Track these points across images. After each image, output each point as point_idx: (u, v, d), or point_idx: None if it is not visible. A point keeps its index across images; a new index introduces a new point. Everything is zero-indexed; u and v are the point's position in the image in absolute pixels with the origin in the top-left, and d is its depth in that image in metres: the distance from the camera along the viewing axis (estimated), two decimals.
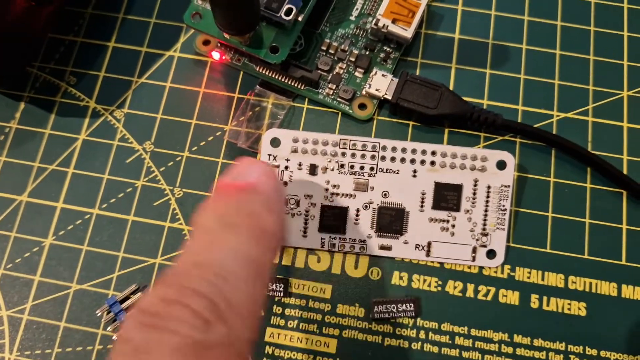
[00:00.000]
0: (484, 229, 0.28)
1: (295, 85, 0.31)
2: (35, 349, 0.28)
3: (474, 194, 0.29)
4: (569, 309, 0.28)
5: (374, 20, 0.30)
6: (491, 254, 0.28)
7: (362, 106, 0.31)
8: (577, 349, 0.27)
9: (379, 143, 0.29)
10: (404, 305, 0.28)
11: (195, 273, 0.18)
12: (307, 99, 0.31)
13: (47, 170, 0.30)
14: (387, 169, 0.29)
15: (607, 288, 0.28)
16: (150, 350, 0.16)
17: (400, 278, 0.29)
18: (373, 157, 0.29)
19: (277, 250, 0.21)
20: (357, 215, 0.29)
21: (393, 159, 0.29)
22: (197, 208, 0.29)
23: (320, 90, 0.31)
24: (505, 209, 0.28)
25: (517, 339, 0.28)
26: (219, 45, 0.31)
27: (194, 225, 0.20)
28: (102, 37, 0.33)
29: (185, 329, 0.17)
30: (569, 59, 0.32)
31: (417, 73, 0.32)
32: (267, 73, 0.31)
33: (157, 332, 0.17)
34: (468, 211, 0.29)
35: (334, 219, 0.29)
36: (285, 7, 0.29)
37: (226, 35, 0.29)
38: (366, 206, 0.29)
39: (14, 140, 0.31)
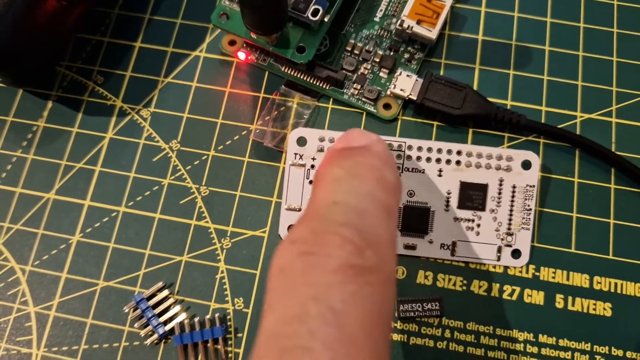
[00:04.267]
0: (509, 229, 0.29)
1: (321, 85, 0.31)
2: (62, 345, 0.28)
3: (499, 193, 0.29)
4: (594, 309, 0.28)
5: (399, 21, 0.31)
6: (516, 253, 0.29)
7: (387, 106, 0.31)
8: (602, 350, 0.27)
9: (405, 142, 0.29)
10: (429, 304, 0.28)
11: (336, 209, 0.19)
12: (331, 99, 0.31)
13: (74, 169, 0.31)
14: (412, 169, 0.29)
15: (632, 289, 0.28)
16: (313, 273, 0.17)
17: (426, 277, 0.29)
18: (399, 156, 0.29)
19: (398, 203, 0.22)
20: None
21: (419, 158, 0.29)
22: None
23: (345, 90, 0.31)
24: (530, 209, 0.29)
25: (542, 338, 0.28)
26: (244, 45, 0.32)
27: (318, 178, 0.22)
28: (129, 37, 0.33)
29: (341, 254, 0.18)
30: (592, 61, 0.32)
31: (441, 74, 0.32)
32: (292, 73, 0.31)
33: (316, 257, 0.18)
34: (493, 211, 0.29)
35: None
36: (312, 7, 0.29)
37: (253, 35, 0.29)
38: None
39: (42, 138, 0.31)
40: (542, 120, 0.31)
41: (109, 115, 0.32)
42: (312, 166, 0.29)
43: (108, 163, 0.31)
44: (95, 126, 0.31)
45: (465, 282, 0.28)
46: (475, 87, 0.31)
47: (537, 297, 0.28)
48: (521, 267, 0.29)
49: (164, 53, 0.33)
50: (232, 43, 0.32)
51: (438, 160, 0.29)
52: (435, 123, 0.31)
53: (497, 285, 0.28)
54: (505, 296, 0.28)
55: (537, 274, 0.29)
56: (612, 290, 0.28)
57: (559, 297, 0.28)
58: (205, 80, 0.32)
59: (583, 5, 0.33)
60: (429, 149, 0.29)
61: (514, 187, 0.29)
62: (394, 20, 0.32)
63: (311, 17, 0.29)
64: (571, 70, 0.32)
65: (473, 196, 0.29)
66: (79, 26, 0.31)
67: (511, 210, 0.29)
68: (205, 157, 0.31)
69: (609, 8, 0.33)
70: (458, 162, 0.29)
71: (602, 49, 0.32)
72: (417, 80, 0.30)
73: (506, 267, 0.29)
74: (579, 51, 0.32)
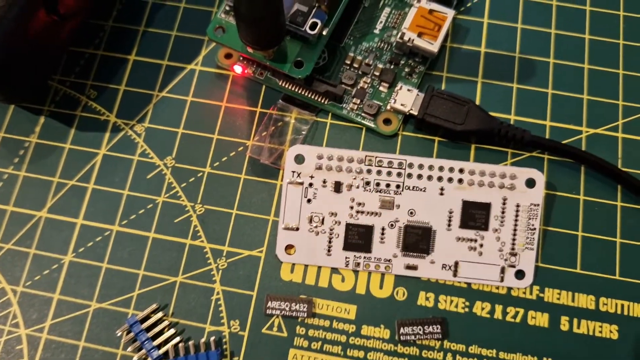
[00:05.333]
0: (512, 249, 0.28)
1: (319, 99, 0.30)
2: None
3: (503, 212, 0.28)
4: (601, 332, 0.27)
5: (399, 34, 0.30)
6: (520, 274, 0.28)
7: (387, 121, 0.30)
8: None
9: (405, 160, 0.28)
10: (430, 326, 0.27)
11: None
12: (330, 114, 0.31)
13: (67, 186, 0.30)
14: (413, 187, 0.28)
15: (639, 310, 0.28)
16: None
17: (427, 299, 0.28)
18: (399, 174, 0.28)
19: None
20: (382, 233, 0.28)
21: (420, 176, 0.28)
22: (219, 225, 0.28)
23: (344, 105, 0.30)
24: (535, 228, 0.28)
25: None
26: (241, 58, 0.31)
27: None
28: (123, 50, 0.32)
29: None
30: (598, 73, 0.31)
31: (443, 87, 0.31)
32: (290, 87, 0.30)
33: None
34: (496, 230, 0.28)
35: (358, 238, 0.28)
36: (310, 21, 0.28)
37: (250, 50, 0.29)
38: (392, 225, 0.28)
39: (34, 154, 0.31)
40: (547, 136, 0.30)
41: (102, 131, 0.31)
42: (310, 184, 0.28)
43: (101, 180, 0.30)
44: (88, 142, 0.31)
45: (467, 303, 0.28)
46: (477, 102, 0.31)
47: (541, 319, 0.27)
48: (525, 288, 0.28)
49: (158, 66, 0.32)
50: (228, 56, 0.31)
51: (439, 179, 0.28)
52: (436, 139, 0.30)
53: (501, 307, 0.28)
54: (508, 318, 0.27)
55: (541, 295, 0.28)
56: (619, 312, 0.28)
57: (564, 319, 0.27)
58: (201, 94, 0.31)
59: (588, 16, 0.32)
60: (430, 167, 0.28)
61: (517, 206, 0.28)
62: (395, 32, 0.31)
63: (309, 31, 0.28)
64: (576, 84, 0.31)
65: (476, 215, 0.28)
66: (71, 40, 0.31)
67: (515, 230, 0.28)
68: (201, 174, 0.30)
69: (615, 19, 0.32)
70: (460, 180, 0.28)
71: (609, 62, 0.31)
72: (418, 94, 0.30)
73: (510, 288, 0.28)
74: (584, 64, 0.31)
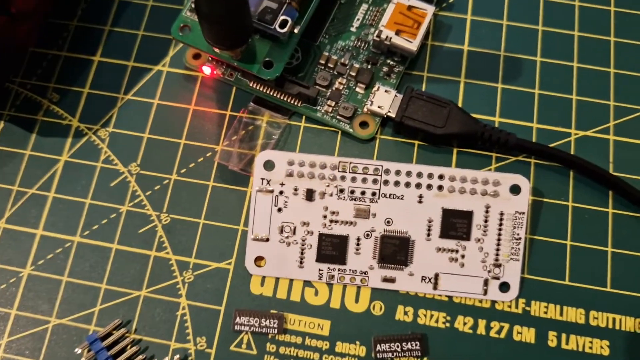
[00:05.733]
0: (496, 260, 0.26)
1: (292, 102, 0.29)
2: None
3: (486, 221, 0.26)
4: (591, 348, 0.26)
5: (377, 32, 0.28)
6: (504, 286, 0.26)
7: (364, 124, 0.28)
8: None
9: (382, 166, 0.27)
10: (409, 343, 0.25)
11: None
12: (304, 117, 0.29)
13: (26, 195, 0.28)
14: (390, 194, 0.26)
15: (632, 324, 0.26)
16: None
17: (405, 313, 0.26)
18: (375, 181, 0.27)
19: None
20: (357, 244, 0.26)
21: (397, 183, 0.26)
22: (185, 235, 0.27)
23: (318, 108, 0.29)
24: (520, 238, 0.26)
25: None
26: (209, 59, 0.29)
27: None
28: (87, 51, 0.31)
29: None
30: (588, 72, 0.30)
31: (423, 88, 0.29)
32: (261, 89, 0.29)
33: None
34: (479, 240, 0.26)
35: (332, 249, 0.26)
36: (280, 18, 0.27)
37: (216, 50, 0.27)
38: (368, 235, 0.26)
39: None
40: (533, 139, 0.29)
41: (64, 136, 0.29)
42: (281, 192, 0.27)
43: (62, 188, 0.28)
44: (49, 148, 0.29)
45: (448, 318, 0.26)
46: (460, 103, 0.29)
47: (527, 335, 0.26)
48: (510, 301, 0.26)
49: (124, 68, 0.30)
50: (196, 57, 0.30)
51: (418, 186, 0.26)
52: (416, 142, 0.29)
53: (484, 321, 0.26)
54: (492, 334, 0.26)
55: (527, 308, 0.26)
56: (610, 326, 0.26)
57: (551, 335, 0.26)
58: (168, 96, 0.30)
59: (577, 12, 0.31)
60: (408, 173, 0.26)
61: (501, 214, 0.26)
62: (372, 30, 0.30)
63: (279, 29, 0.27)
64: (565, 83, 0.30)
65: (457, 224, 0.26)
66: (31, 41, 0.29)
67: (499, 240, 0.26)
68: (167, 181, 0.28)
69: (606, 15, 0.31)
70: (440, 187, 0.26)
71: (599, 60, 0.30)
72: (396, 95, 0.28)
73: (494, 302, 0.26)
74: (573, 62, 0.30)
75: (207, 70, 0.29)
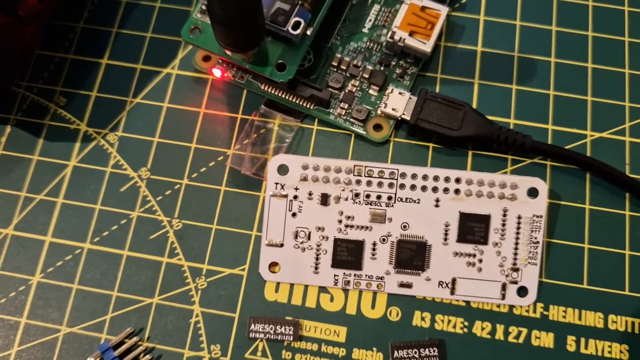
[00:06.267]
0: (514, 264, 0.26)
1: (304, 104, 0.28)
2: None
3: (503, 225, 0.26)
4: (610, 352, 0.26)
5: (390, 33, 0.28)
6: (522, 291, 0.26)
7: (378, 127, 0.28)
8: None
9: (398, 169, 0.26)
10: (427, 349, 0.25)
11: None
12: (317, 120, 0.29)
13: (34, 201, 0.28)
14: (406, 198, 0.26)
15: None
16: None
17: (422, 319, 0.26)
18: (391, 185, 0.26)
19: None
20: (373, 249, 0.26)
21: (413, 187, 0.26)
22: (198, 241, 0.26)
23: (331, 110, 0.28)
24: (538, 242, 0.26)
25: None
26: (220, 61, 0.29)
27: None
28: (95, 53, 0.30)
29: None
30: (603, 73, 0.30)
31: (437, 90, 0.29)
32: (273, 92, 0.28)
33: None
34: (497, 244, 0.26)
35: (348, 254, 0.26)
36: (293, 20, 0.26)
37: (228, 52, 0.27)
38: (384, 239, 0.26)
39: None
40: (549, 140, 0.28)
41: (72, 141, 0.29)
42: (295, 197, 0.26)
43: (71, 194, 0.28)
44: (57, 153, 0.29)
45: (466, 323, 0.26)
46: (474, 105, 0.29)
47: (546, 340, 0.26)
48: (528, 305, 0.26)
49: (132, 70, 0.30)
50: (206, 59, 0.29)
51: (435, 189, 0.26)
52: (431, 145, 0.28)
53: (502, 326, 0.26)
54: (511, 339, 0.26)
55: (545, 313, 0.26)
56: (629, 330, 0.26)
57: (570, 339, 0.26)
58: (178, 100, 0.29)
59: (591, 12, 0.31)
60: (425, 177, 0.26)
61: (519, 217, 0.26)
62: (385, 31, 0.29)
63: (292, 31, 0.26)
64: (580, 84, 0.29)
65: (474, 228, 0.26)
66: (37, 43, 0.29)
67: (516, 244, 0.26)
68: (178, 186, 0.28)
69: (620, 15, 0.31)
70: (457, 191, 0.26)
71: (614, 60, 0.30)
72: (410, 98, 0.28)
73: (512, 307, 0.26)
74: (587, 63, 0.30)
75: (217, 72, 0.29)
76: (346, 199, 0.26)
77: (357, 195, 0.26)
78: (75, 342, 0.26)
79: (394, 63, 0.29)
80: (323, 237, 0.26)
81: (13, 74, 0.28)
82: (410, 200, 0.26)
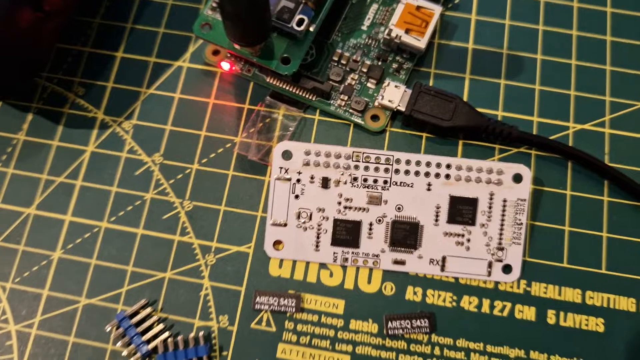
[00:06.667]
0: (499, 244, 0.28)
1: (307, 96, 0.30)
2: None
3: (490, 207, 0.28)
4: (587, 325, 0.27)
5: (387, 30, 0.30)
6: (507, 268, 0.28)
7: (375, 118, 0.30)
8: None
9: (393, 156, 0.28)
10: (418, 321, 0.27)
11: None
12: (318, 110, 0.31)
13: (55, 183, 0.30)
14: (401, 182, 0.28)
15: (625, 303, 0.28)
16: None
17: (415, 293, 0.28)
18: (387, 170, 0.28)
19: None
20: (370, 229, 0.28)
21: (407, 172, 0.28)
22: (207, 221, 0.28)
23: (331, 102, 0.30)
24: (522, 223, 0.28)
25: (534, 355, 0.27)
26: (228, 55, 0.31)
27: None
28: (110, 47, 0.32)
29: None
30: (585, 70, 0.31)
31: (431, 84, 0.31)
32: (277, 84, 0.30)
33: None
34: (484, 225, 0.28)
35: (346, 233, 0.28)
36: (297, 17, 0.28)
37: (236, 46, 0.29)
38: (380, 220, 0.28)
39: (22, 152, 0.31)
40: (534, 131, 0.30)
41: (90, 128, 0.31)
42: (298, 180, 0.28)
43: (89, 177, 0.30)
44: (76, 139, 0.31)
45: (455, 298, 0.28)
46: (465, 98, 0.31)
47: (528, 313, 0.28)
48: (512, 282, 0.28)
49: (146, 63, 0.32)
50: (215, 53, 0.31)
51: (427, 174, 0.28)
52: (424, 135, 0.30)
53: (488, 301, 0.28)
54: (496, 312, 0.28)
55: (528, 289, 0.28)
56: (605, 305, 0.28)
57: (550, 313, 0.28)
58: (189, 91, 0.31)
59: (576, 13, 0.32)
60: (418, 163, 0.28)
61: (504, 201, 0.28)
62: (382, 29, 0.31)
63: (296, 27, 0.28)
64: (564, 80, 0.31)
65: (463, 210, 0.28)
66: (58, 37, 0.31)
67: (502, 225, 0.28)
68: (189, 170, 0.30)
69: (602, 15, 0.32)
70: (447, 176, 0.28)
71: (595, 58, 0.32)
72: (405, 90, 0.30)
73: (497, 283, 0.28)
74: (571, 60, 0.32)
75: (226, 66, 0.31)
76: (345, 183, 0.28)
77: (355, 179, 0.28)
78: (94, 313, 0.28)
79: (390, 58, 0.31)
80: (323, 218, 0.28)
81: (36, 66, 0.30)
82: (404, 184, 0.28)
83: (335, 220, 0.28)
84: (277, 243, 0.28)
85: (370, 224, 0.28)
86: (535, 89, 0.31)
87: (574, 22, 0.32)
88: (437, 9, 0.30)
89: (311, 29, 0.29)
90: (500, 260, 0.28)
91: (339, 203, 0.28)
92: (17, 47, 0.28)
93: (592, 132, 0.30)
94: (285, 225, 0.28)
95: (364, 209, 0.28)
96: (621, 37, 0.32)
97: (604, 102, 0.31)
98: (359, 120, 0.30)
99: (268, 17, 0.27)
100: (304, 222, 0.28)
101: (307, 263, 0.28)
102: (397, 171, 0.28)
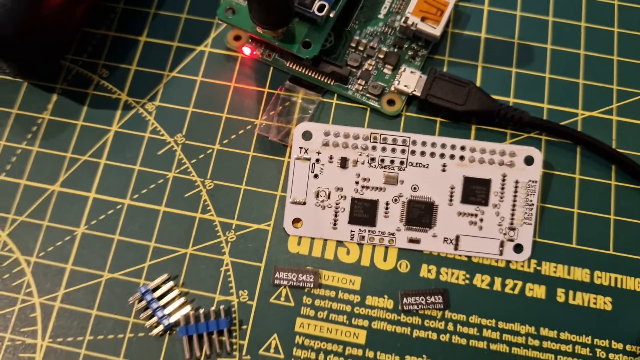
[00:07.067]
0: (511, 224, 0.29)
1: (325, 80, 0.31)
2: (67, 336, 0.28)
3: (502, 188, 0.29)
4: (595, 304, 0.28)
5: (403, 18, 0.31)
6: (518, 248, 0.29)
7: (391, 102, 0.31)
8: (603, 343, 0.28)
9: (409, 137, 0.29)
10: (432, 297, 0.28)
11: None
12: (336, 95, 0.32)
13: (79, 161, 0.31)
14: (416, 163, 0.29)
15: (632, 283, 0.29)
16: None
17: (429, 271, 0.29)
18: (403, 151, 0.29)
19: None
20: (386, 208, 0.29)
21: (423, 153, 0.29)
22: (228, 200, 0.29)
23: (349, 86, 0.31)
24: (533, 204, 0.29)
25: (544, 332, 0.28)
26: (249, 40, 0.32)
27: None
28: (134, 31, 0.33)
29: None
30: (593, 59, 0.32)
31: (445, 70, 0.32)
32: (297, 68, 0.31)
33: None
34: (496, 205, 0.29)
35: (363, 212, 0.29)
36: (318, 3, 0.30)
37: (259, 30, 0.30)
38: (396, 199, 0.29)
39: (47, 131, 0.31)
40: (544, 118, 0.31)
41: (114, 109, 0.32)
42: (317, 160, 0.29)
43: (113, 156, 0.31)
44: (100, 119, 0.32)
45: (467, 276, 0.29)
46: (478, 84, 0.32)
47: (538, 291, 0.29)
48: (523, 261, 0.29)
49: (169, 47, 0.33)
50: (237, 38, 0.32)
51: (442, 156, 0.29)
52: (438, 119, 0.31)
53: (500, 279, 0.29)
54: (507, 290, 0.29)
55: (538, 268, 0.29)
56: (612, 284, 0.29)
57: (560, 292, 0.29)
58: (210, 75, 0.32)
59: (585, 4, 0.34)
60: (433, 144, 0.29)
61: (516, 182, 0.29)
62: (398, 17, 0.32)
63: (317, 13, 0.29)
64: (573, 69, 0.32)
65: (476, 191, 0.29)
66: (85, 20, 0.31)
67: (514, 206, 0.29)
68: (210, 151, 0.31)
69: (610, 8, 0.34)
70: (462, 158, 0.29)
71: (603, 48, 0.33)
72: (421, 76, 0.31)
73: (508, 262, 0.29)
74: (580, 50, 0.33)
75: (247, 50, 0.32)
76: (363, 163, 0.29)
77: (372, 159, 0.29)
78: (116, 286, 0.29)
79: (406, 46, 0.32)
80: (341, 197, 0.29)
81: (63, 47, 0.31)
82: (420, 165, 0.29)
83: (353, 199, 0.29)
84: (296, 221, 0.29)
85: (387, 203, 0.29)
86: (545, 77, 0.32)
87: (583, 13, 0.33)
88: None
89: (331, 15, 0.30)
90: (512, 240, 0.29)
91: (357, 182, 0.29)
92: (47, 28, 0.29)
93: (600, 119, 0.31)
94: (304, 203, 0.29)
95: (381, 189, 0.29)
96: (628, 28, 0.33)
97: (612, 90, 0.32)
98: (375, 105, 0.31)
99: (292, 2, 0.28)
100: (323, 201, 0.29)
101: (325, 240, 0.29)
102: (413, 152, 0.29)
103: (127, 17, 0.34)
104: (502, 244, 0.29)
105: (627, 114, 0.31)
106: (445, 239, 0.29)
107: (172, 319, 0.28)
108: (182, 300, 0.28)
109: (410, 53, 0.32)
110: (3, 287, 0.29)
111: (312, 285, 0.28)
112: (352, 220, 0.29)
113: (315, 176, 0.29)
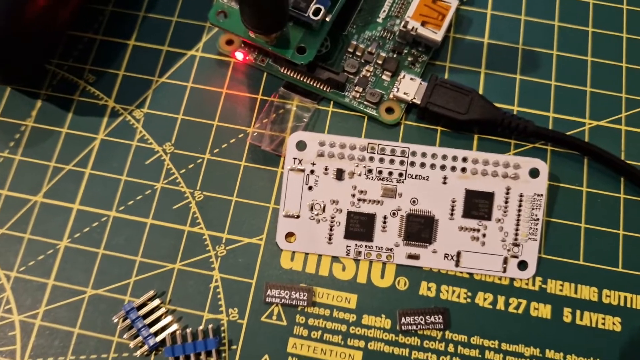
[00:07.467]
0: (515, 239, 0.28)
1: (321, 87, 0.30)
2: (47, 356, 0.27)
3: (506, 202, 0.28)
4: (603, 324, 0.27)
5: (403, 23, 0.30)
6: (523, 265, 0.28)
7: (390, 110, 0.30)
8: None
9: (409, 148, 0.28)
10: (432, 316, 0.27)
11: None
12: (332, 102, 0.30)
13: (63, 171, 0.30)
14: (416, 175, 0.28)
15: None
16: None
17: (428, 288, 0.28)
18: (402, 162, 0.28)
19: None
20: (384, 222, 0.28)
21: (423, 164, 0.28)
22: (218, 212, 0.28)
23: (346, 93, 0.30)
24: (538, 219, 0.28)
25: (550, 354, 0.27)
26: (242, 45, 0.31)
27: None
28: (122, 35, 0.32)
29: None
30: (601, 66, 0.31)
31: (446, 77, 0.31)
32: (292, 74, 0.30)
33: None
34: (499, 220, 0.28)
35: (360, 226, 0.28)
36: (314, 7, 0.28)
37: (252, 35, 0.28)
38: (394, 213, 0.28)
39: (30, 138, 0.30)
40: (550, 127, 0.30)
41: (100, 116, 0.30)
42: (312, 171, 0.28)
43: (99, 165, 0.30)
44: (85, 127, 0.30)
45: (469, 294, 0.27)
46: (480, 92, 0.30)
47: (544, 311, 0.27)
48: (528, 279, 0.28)
49: (158, 52, 0.32)
50: (229, 42, 0.31)
51: (443, 167, 0.28)
52: (439, 128, 0.30)
53: (503, 297, 0.27)
54: (511, 309, 0.27)
55: (544, 286, 0.28)
56: (622, 304, 0.27)
57: (566, 311, 0.27)
58: (201, 80, 0.31)
59: (592, 9, 0.32)
60: (434, 155, 0.28)
61: (521, 195, 0.28)
62: (398, 21, 0.31)
63: (312, 17, 0.28)
64: (579, 76, 0.31)
65: (479, 205, 0.28)
66: (70, 23, 0.30)
67: (518, 220, 0.28)
68: (200, 160, 0.29)
69: (619, 12, 0.32)
70: (463, 169, 0.28)
71: (612, 54, 0.31)
72: (421, 83, 0.29)
73: (512, 279, 0.28)
74: (587, 56, 0.31)
75: (239, 55, 0.31)
76: (360, 175, 0.28)
77: (370, 171, 0.28)
78: (100, 303, 0.27)
79: (406, 51, 0.31)
80: (337, 210, 0.28)
81: (49, 51, 0.30)
82: (420, 177, 0.28)
83: (349, 213, 0.28)
84: (289, 235, 0.28)
85: (385, 217, 0.28)
86: (551, 84, 0.31)
87: (590, 18, 0.32)
88: (454, 2, 0.30)
89: (327, 18, 0.29)
90: (516, 257, 0.27)
91: (353, 195, 0.28)
92: (30, 32, 0.27)
93: (608, 128, 0.30)
94: (297, 217, 0.28)
95: (379, 202, 0.28)
96: (637, 34, 0.32)
97: (620, 98, 0.31)
98: (373, 113, 0.30)
99: (286, 5, 0.27)
100: (317, 214, 0.28)
101: (320, 256, 0.28)
102: (412, 164, 0.28)
103: (115, 20, 0.32)
104: (505, 261, 0.27)
105: (636, 124, 0.30)
106: (445, 255, 0.27)
107: (158, 339, 0.26)
108: (168, 318, 0.27)
109: (410, 59, 0.30)
110: None
111: (305, 303, 0.27)
112: (348, 234, 0.28)
113: (310, 188, 0.28)
